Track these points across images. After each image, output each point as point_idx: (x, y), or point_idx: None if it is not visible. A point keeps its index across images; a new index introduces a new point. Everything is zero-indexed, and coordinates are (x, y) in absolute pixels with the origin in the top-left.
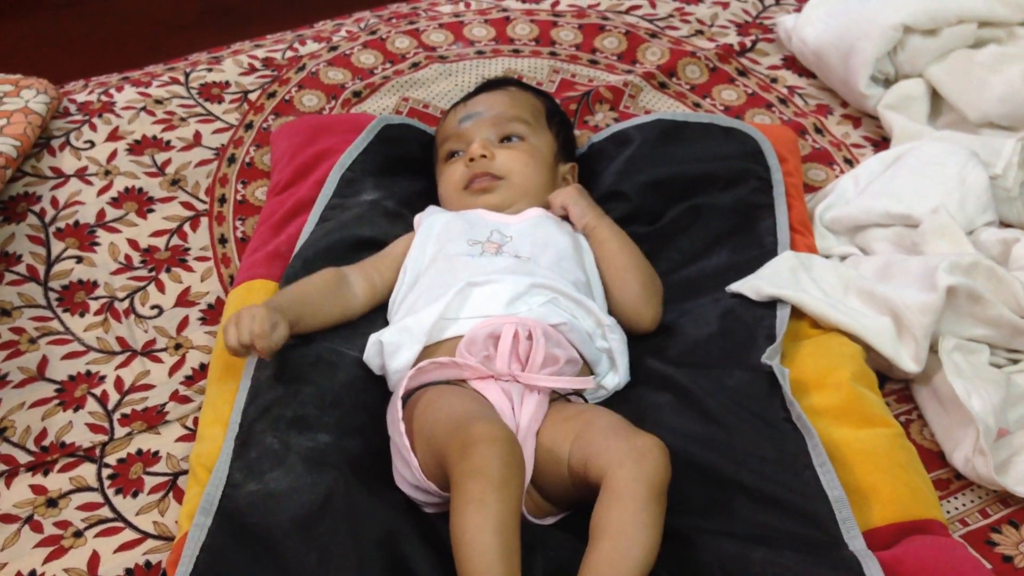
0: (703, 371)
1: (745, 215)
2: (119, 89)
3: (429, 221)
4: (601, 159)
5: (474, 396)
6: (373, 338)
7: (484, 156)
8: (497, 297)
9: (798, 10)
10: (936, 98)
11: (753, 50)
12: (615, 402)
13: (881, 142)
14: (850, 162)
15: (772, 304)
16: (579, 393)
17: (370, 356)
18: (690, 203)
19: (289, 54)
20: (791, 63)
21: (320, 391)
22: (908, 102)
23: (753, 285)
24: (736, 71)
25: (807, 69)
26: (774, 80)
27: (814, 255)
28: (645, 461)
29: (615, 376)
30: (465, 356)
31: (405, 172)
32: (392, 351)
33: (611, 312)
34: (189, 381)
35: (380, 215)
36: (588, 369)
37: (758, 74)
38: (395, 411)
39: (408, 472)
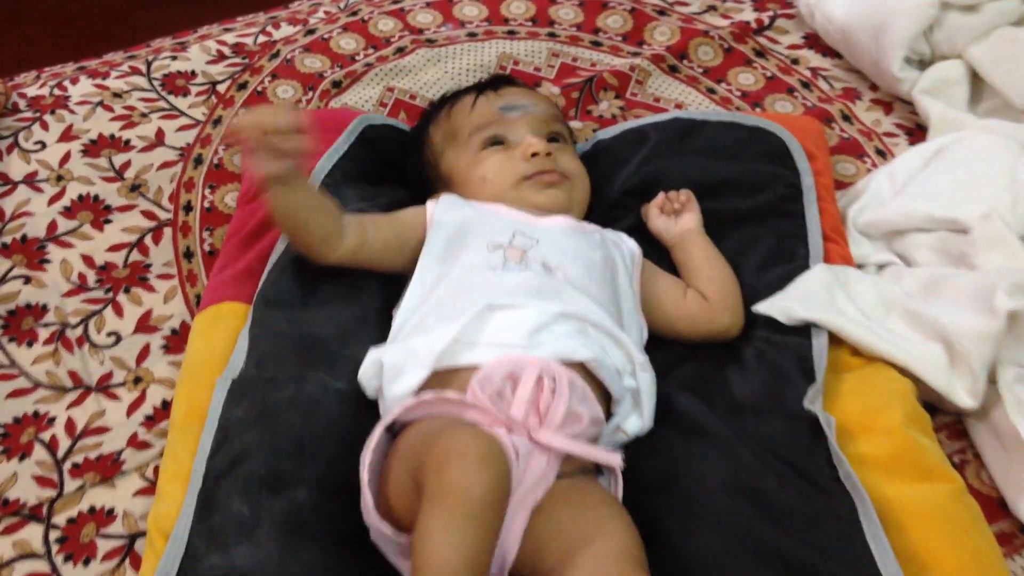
0: (736, 414)
1: (772, 224)
2: (74, 81)
3: (442, 220)
4: (611, 159)
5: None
6: (372, 355)
7: (549, 154)
8: (519, 326)
9: None
10: (977, 81)
11: (771, 28)
12: (639, 447)
13: (916, 130)
14: (882, 153)
15: (806, 329)
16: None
17: (366, 376)
18: (711, 210)
19: (262, 39)
20: (814, 41)
21: (298, 436)
22: (946, 86)
23: (784, 307)
24: (753, 51)
25: (832, 48)
26: (795, 61)
27: (850, 268)
28: None
29: (638, 420)
30: (478, 395)
31: (389, 178)
32: (393, 374)
33: (676, 323)
34: (149, 422)
35: None
36: (609, 406)
37: (777, 55)
38: (371, 438)
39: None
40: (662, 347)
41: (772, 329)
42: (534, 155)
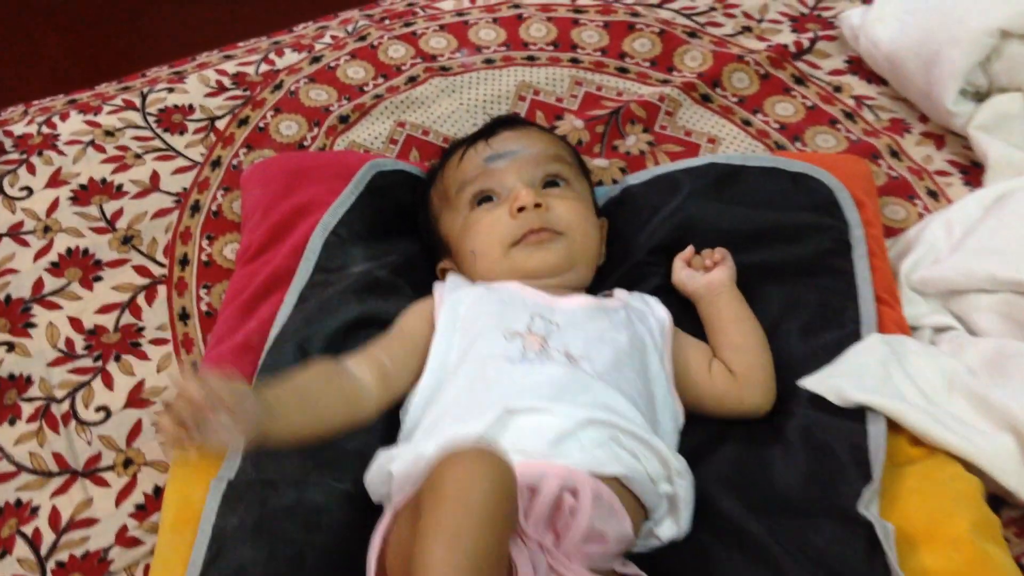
0: (782, 519)
1: (819, 282)
2: (64, 117)
3: (452, 300)
4: (641, 208)
5: None
6: (380, 460)
7: (539, 205)
8: (542, 433)
9: (867, 0)
10: None
11: (812, 51)
12: (674, 554)
13: (972, 168)
14: (934, 195)
15: (860, 413)
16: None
17: (374, 483)
18: (750, 266)
19: (264, 68)
20: (858, 66)
21: (298, 549)
22: (1005, 122)
23: (835, 385)
24: (792, 78)
25: (878, 73)
26: (838, 89)
27: (906, 338)
28: None
29: (674, 526)
30: None
31: (401, 230)
32: (404, 483)
33: (704, 401)
34: (140, 513)
35: (370, 291)
36: (643, 512)
37: (818, 81)
38: (375, 538)
39: None
40: (693, 426)
41: (820, 406)
42: (521, 210)
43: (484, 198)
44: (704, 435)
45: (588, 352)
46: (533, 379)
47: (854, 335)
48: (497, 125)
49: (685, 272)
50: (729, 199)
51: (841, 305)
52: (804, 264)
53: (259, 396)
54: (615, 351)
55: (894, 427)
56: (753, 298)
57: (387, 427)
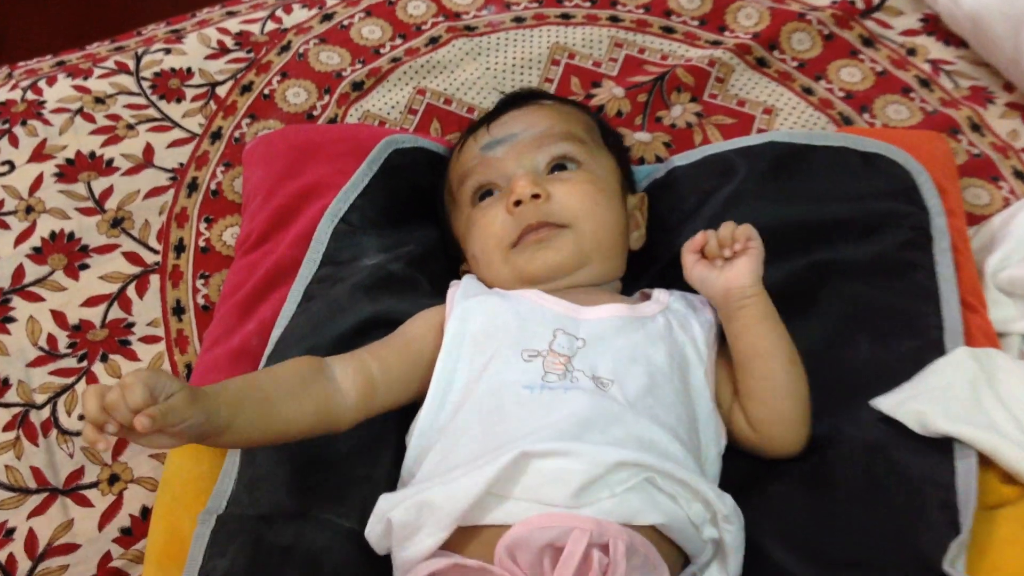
0: (847, 573)
1: (894, 282)
2: (51, 81)
3: (463, 309)
4: (687, 193)
5: None
6: (380, 509)
7: (537, 196)
8: (565, 481)
9: None
10: None
11: (882, 8)
12: None
13: None
14: (1022, 176)
15: (946, 445)
16: None
17: (374, 534)
18: (814, 264)
19: (271, 26)
20: (934, 25)
21: None
22: None
23: (917, 412)
24: (860, 39)
25: (957, 34)
26: (912, 52)
27: (995, 352)
28: None
29: (722, 572)
30: (506, 563)
31: (419, 217)
32: (405, 535)
33: (732, 429)
34: (127, 538)
35: (384, 288)
36: (684, 560)
37: (889, 43)
38: None
39: None
40: (737, 455)
41: (896, 435)
42: (519, 204)
43: (485, 192)
44: (750, 467)
45: (618, 374)
46: (554, 412)
47: (936, 346)
48: (503, 105)
49: (698, 270)
50: (791, 184)
51: (920, 309)
52: (877, 260)
53: (202, 405)
54: (650, 371)
55: (983, 462)
56: (817, 300)
57: (397, 452)
